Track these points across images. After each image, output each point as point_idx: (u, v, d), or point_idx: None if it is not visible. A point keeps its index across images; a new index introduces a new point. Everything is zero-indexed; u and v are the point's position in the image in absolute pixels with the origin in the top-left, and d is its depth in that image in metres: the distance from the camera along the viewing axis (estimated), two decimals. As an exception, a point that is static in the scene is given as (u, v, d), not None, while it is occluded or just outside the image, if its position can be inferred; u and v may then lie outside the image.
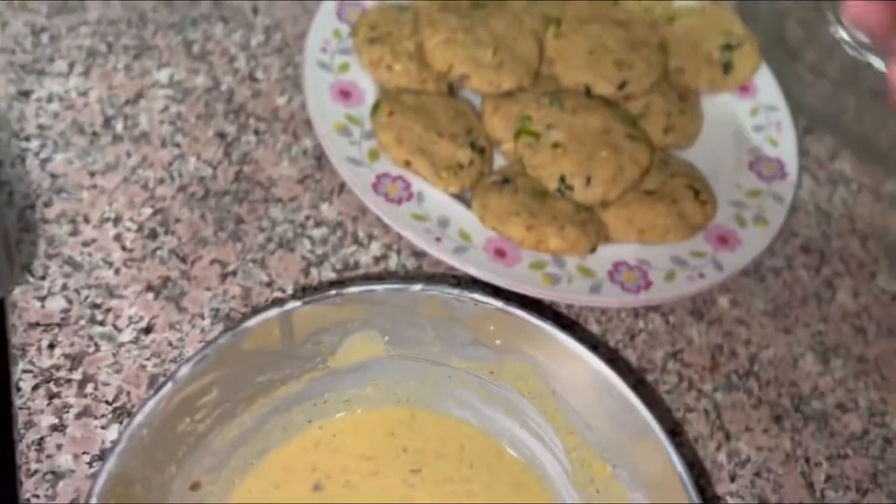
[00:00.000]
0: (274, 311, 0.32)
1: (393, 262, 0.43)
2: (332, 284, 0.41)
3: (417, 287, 0.34)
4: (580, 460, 0.35)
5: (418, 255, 0.44)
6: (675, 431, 0.41)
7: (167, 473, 0.31)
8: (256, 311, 0.33)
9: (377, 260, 0.43)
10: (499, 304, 0.34)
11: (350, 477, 0.35)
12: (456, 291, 0.34)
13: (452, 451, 0.37)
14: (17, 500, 0.34)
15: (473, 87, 0.46)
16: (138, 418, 0.29)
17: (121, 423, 0.36)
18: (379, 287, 0.34)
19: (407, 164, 0.43)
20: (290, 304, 0.33)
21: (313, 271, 0.42)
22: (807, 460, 0.41)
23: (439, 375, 0.36)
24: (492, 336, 0.35)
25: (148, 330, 0.38)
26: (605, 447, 0.34)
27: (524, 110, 0.45)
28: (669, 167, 0.46)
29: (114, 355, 0.37)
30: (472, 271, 0.40)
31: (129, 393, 0.37)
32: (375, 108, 0.44)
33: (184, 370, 0.31)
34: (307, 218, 0.44)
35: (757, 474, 0.40)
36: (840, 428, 0.43)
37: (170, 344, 0.38)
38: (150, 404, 0.30)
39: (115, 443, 0.29)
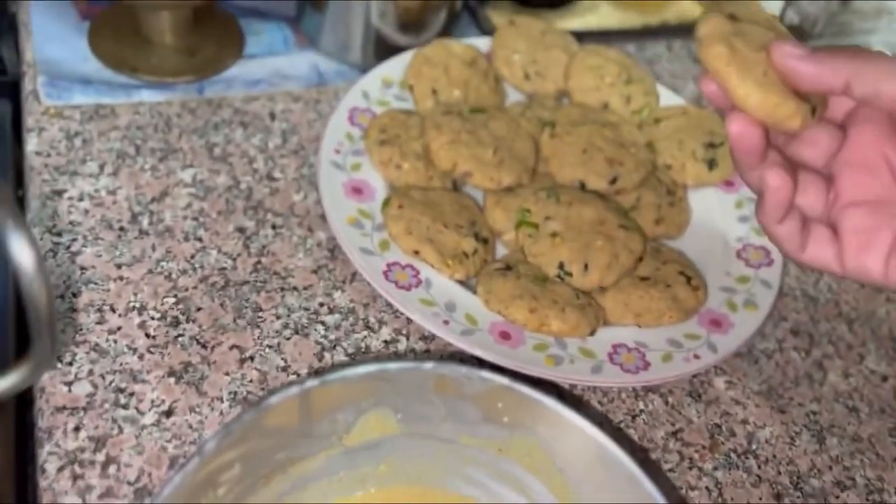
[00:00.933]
0: (294, 389, 0.34)
1: (402, 346, 0.46)
2: (347, 365, 0.44)
3: (429, 365, 0.36)
4: None
5: (426, 338, 0.46)
6: (679, 510, 0.42)
7: None
8: (275, 391, 0.35)
9: (387, 344, 0.45)
10: (505, 381, 0.36)
11: None
12: (465, 369, 0.36)
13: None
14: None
15: (476, 184, 0.50)
16: (166, 490, 0.31)
17: (139, 498, 0.37)
18: (392, 366, 0.36)
19: (416, 252, 0.46)
20: (309, 383, 0.35)
21: (326, 355, 0.44)
22: (810, 537, 0.42)
23: (450, 453, 0.38)
24: (500, 413, 0.37)
25: (169, 413, 0.40)
26: None
27: (523, 204, 0.49)
28: (661, 255, 0.50)
29: (136, 437, 0.39)
30: (479, 353, 0.43)
31: (150, 474, 0.38)
32: (386, 202, 0.48)
33: (210, 444, 0.32)
34: (321, 305, 0.46)
35: (762, 552, 0.41)
36: (840, 505, 0.44)
37: (190, 426, 0.40)
38: (178, 477, 0.31)
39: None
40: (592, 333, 0.45)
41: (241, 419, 0.33)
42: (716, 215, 0.54)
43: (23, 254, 0.28)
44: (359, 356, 0.45)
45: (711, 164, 0.55)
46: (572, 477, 0.36)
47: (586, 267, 0.46)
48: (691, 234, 0.53)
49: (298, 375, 0.43)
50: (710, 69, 0.34)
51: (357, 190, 0.49)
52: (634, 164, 0.52)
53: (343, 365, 0.43)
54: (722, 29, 0.35)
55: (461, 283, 0.46)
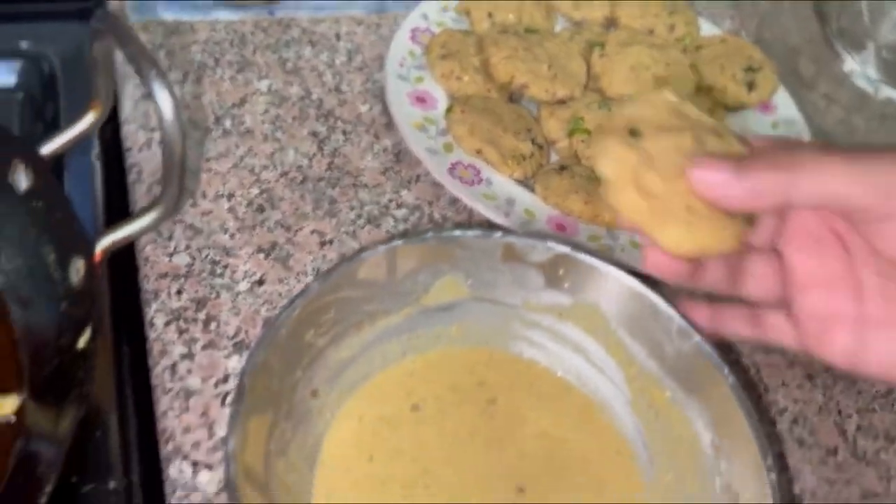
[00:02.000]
0: (383, 247, 0.39)
1: (465, 239, 0.50)
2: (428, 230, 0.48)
3: (499, 234, 0.41)
4: (640, 388, 0.41)
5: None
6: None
7: (295, 376, 0.37)
8: (365, 248, 0.39)
9: (451, 237, 0.50)
10: (567, 249, 0.41)
11: (441, 404, 0.41)
12: (531, 239, 0.41)
13: (523, 385, 0.42)
14: (154, 413, 0.39)
15: (532, 95, 0.54)
16: (280, 318, 0.36)
17: (240, 355, 0.42)
18: (469, 232, 0.41)
19: (478, 151, 0.50)
20: (395, 242, 0.39)
21: (397, 243, 0.49)
22: (839, 412, 0.47)
23: (513, 318, 0.42)
24: (561, 280, 0.41)
25: (260, 282, 0.45)
26: (662, 375, 0.40)
27: (576, 114, 0.53)
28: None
29: (232, 301, 0.44)
30: (538, 240, 0.47)
31: (247, 331, 0.43)
32: (449, 108, 0.52)
33: (313, 286, 0.37)
34: (390, 201, 0.51)
35: (794, 421, 0.46)
36: (867, 386, 0.48)
37: (279, 294, 0.45)
38: (287, 311, 0.36)
39: (262, 336, 0.36)
40: (641, 227, 0.49)
41: (337, 268, 0.38)
42: (753, 136, 0.58)
43: (164, 101, 0.33)
44: (425, 245, 0.49)
45: (750, 86, 0.59)
46: (627, 336, 0.41)
47: (636, 168, 0.50)
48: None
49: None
50: (626, 219, 0.31)
51: (420, 99, 0.54)
52: (679, 82, 0.56)
53: (424, 230, 0.48)
54: (627, 164, 0.31)
55: (519, 182, 0.51)
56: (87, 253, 0.35)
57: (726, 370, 0.38)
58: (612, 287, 0.40)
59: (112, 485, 0.36)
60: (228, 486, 0.32)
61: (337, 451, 0.39)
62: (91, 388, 0.32)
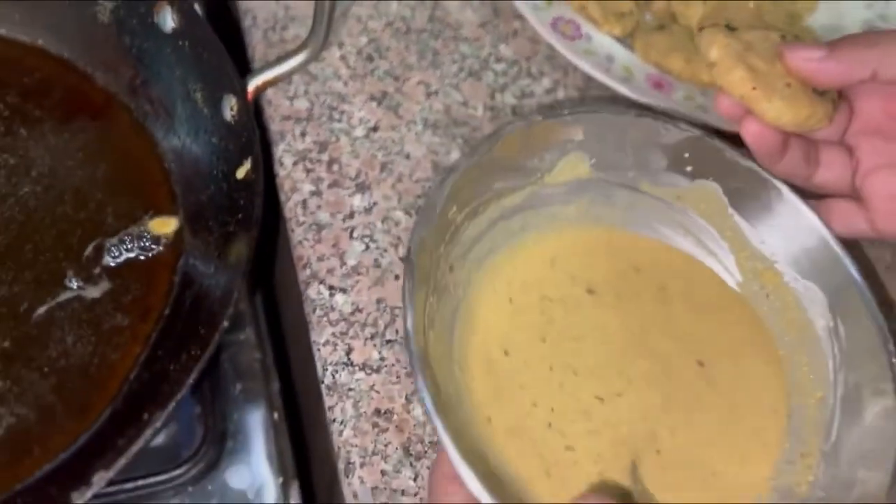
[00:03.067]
0: (521, 123, 0.40)
1: (561, 94, 0.53)
2: (561, 107, 0.49)
3: (633, 113, 0.41)
4: (752, 270, 0.42)
5: (581, 89, 0.53)
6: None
7: (439, 252, 0.38)
8: (502, 127, 0.39)
9: (548, 91, 0.52)
10: (698, 132, 0.41)
11: (616, 289, 0.41)
12: (665, 120, 0.41)
13: (671, 268, 0.43)
14: (290, 243, 0.44)
15: (631, -49, 0.55)
16: (435, 196, 0.37)
17: (362, 194, 0.46)
18: (602, 110, 0.42)
19: (582, 7, 0.52)
20: (533, 117, 0.40)
21: (497, 96, 0.51)
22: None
23: (630, 198, 0.43)
24: (685, 163, 0.42)
25: (375, 129, 0.48)
26: (777, 259, 0.41)
27: (675, -28, 0.54)
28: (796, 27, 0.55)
29: (351, 145, 0.47)
30: (637, 97, 0.49)
31: (366, 173, 0.47)
32: (552, -38, 0.53)
33: (462, 163, 0.38)
34: (489, 55, 0.53)
35: None
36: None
37: (392, 141, 0.48)
38: (440, 188, 0.37)
39: (419, 216, 0.37)
40: (735, 87, 0.51)
41: (482, 145, 0.39)
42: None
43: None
44: (525, 98, 0.52)
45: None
46: (743, 220, 0.42)
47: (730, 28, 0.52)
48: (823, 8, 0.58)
49: (475, 109, 0.50)
50: (734, 94, 0.35)
51: (520, -48, 0.54)
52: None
53: (559, 108, 0.47)
54: (732, 48, 0.35)
55: (617, 39, 0.53)
56: (240, 91, 0.38)
57: (848, 257, 0.39)
58: (738, 172, 0.41)
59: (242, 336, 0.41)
60: (414, 364, 0.33)
61: (489, 330, 0.39)
62: (258, 216, 0.36)
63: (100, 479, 0.30)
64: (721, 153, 0.41)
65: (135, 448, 0.31)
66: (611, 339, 0.40)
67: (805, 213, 0.40)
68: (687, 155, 0.41)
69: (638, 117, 0.41)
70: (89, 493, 0.30)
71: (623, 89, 0.50)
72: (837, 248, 0.40)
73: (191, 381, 0.31)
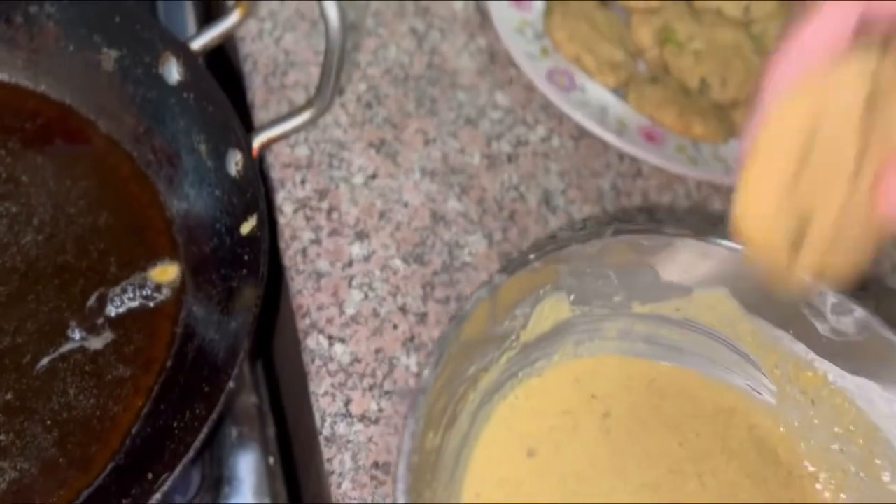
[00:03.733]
0: (484, 290, 0.35)
1: (556, 142, 0.54)
2: (525, 253, 0.40)
3: (609, 231, 0.36)
4: (787, 377, 0.37)
5: (576, 138, 0.54)
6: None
7: (426, 497, 0.33)
8: (465, 301, 0.35)
9: (543, 140, 0.54)
10: (688, 231, 0.36)
11: (557, 437, 0.37)
12: (646, 228, 0.38)
13: (640, 386, 0.38)
14: (289, 292, 0.45)
15: (624, 2, 0.57)
16: (407, 445, 0.32)
17: (361, 242, 0.47)
18: (572, 242, 0.36)
19: (577, 58, 0.53)
20: (497, 279, 0.35)
21: (493, 143, 0.53)
22: None
23: (622, 325, 0.39)
24: (680, 270, 0.37)
25: (374, 176, 0.49)
26: (814, 356, 0.36)
27: (668, 24, 0.56)
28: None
29: (350, 192, 0.48)
30: (630, 149, 0.51)
31: (365, 221, 0.48)
32: (549, 11, 0.55)
33: (426, 374, 0.33)
34: (486, 102, 0.54)
35: None
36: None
37: (391, 189, 0.49)
38: (411, 424, 0.32)
39: (396, 483, 0.32)
40: (726, 141, 0.53)
41: (444, 337, 0.34)
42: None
43: (332, 12, 0.36)
44: (519, 146, 0.53)
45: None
46: (763, 323, 0.36)
47: (724, 82, 0.54)
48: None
49: (472, 156, 0.52)
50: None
51: (517, 0, 0.56)
52: (767, -5, 0.58)
53: (523, 255, 0.40)
54: (779, 233, 0.29)
55: (611, 91, 0.54)
56: (246, 147, 0.39)
57: None
58: (742, 268, 0.35)
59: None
60: None
61: None
62: (263, 273, 0.37)
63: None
64: (722, 248, 0.35)
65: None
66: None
67: (840, 301, 0.34)
68: (681, 258, 0.36)
69: (615, 236, 0.36)
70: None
71: (616, 142, 0.51)
72: (887, 331, 0.34)
73: (198, 442, 0.32)
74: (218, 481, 0.45)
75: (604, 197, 0.52)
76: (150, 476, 0.32)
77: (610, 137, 0.51)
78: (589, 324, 0.38)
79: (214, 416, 0.32)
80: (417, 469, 0.32)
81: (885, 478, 0.36)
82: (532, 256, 0.35)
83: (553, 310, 0.37)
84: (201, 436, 0.32)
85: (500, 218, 0.50)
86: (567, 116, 0.53)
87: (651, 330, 0.39)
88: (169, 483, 0.31)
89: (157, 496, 0.31)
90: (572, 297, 0.37)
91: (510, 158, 0.52)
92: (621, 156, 0.53)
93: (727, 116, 0.54)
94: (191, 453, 0.32)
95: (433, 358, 0.33)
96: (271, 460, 0.47)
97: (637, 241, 0.36)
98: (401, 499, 0.31)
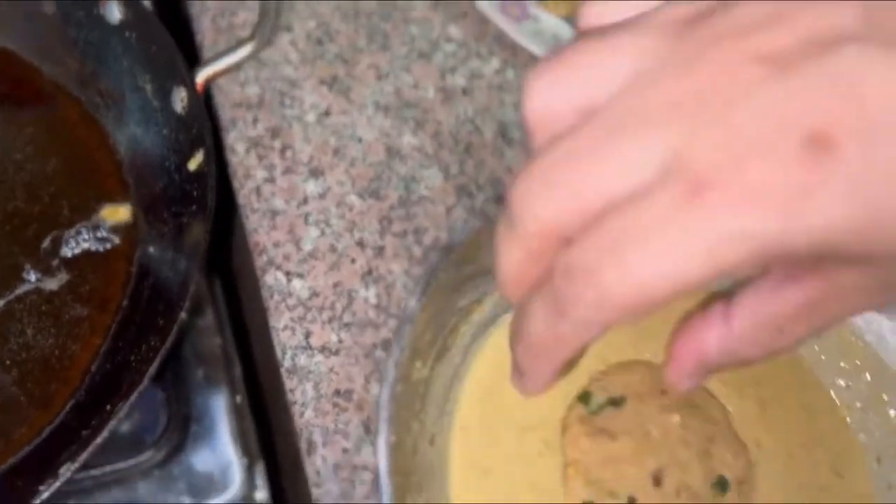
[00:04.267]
0: (478, 221, 0.37)
1: (511, 74, 0.54)
2: None
3: None
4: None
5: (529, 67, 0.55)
6: None
7: (413, 432, 0.34)
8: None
9: (497, 72, 0.54)
10: None
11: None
12: None
13: None
14: (245, 230, 0.45)
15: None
16: (391, 373, 0.32)
17: (315, 179, 0.47)
18: None
19: (528, -11, 0.53)
20: (492, 210, 0.37)
21: (448, 77, 0.53)
22: None
23: None
24: None
25: (327, 114, 0.50)
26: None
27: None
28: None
29: (303, 131, 0.49)
30: (583, 76, 0.51)
31: (319, 159, 0.48)
32: (498, -58, 0.55)
33: (412, 304, 0.33)
34: (439, 36, 0.54)
35: None
36: None
37: (344, 125, 0.50)
38: (396, 353, 0.32)
39: (380, 409, 0.32)
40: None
41: (435, 269, 0.34)
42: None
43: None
44: (474, 79, 0.53)
45: None
46: None
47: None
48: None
49: (426, 91, 0.52)
50: None
51: (467, -68, 0.56)
52: None
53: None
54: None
55: (563, 19, 0.54)
56: (190, 83, 0.39)
57: None
58: None
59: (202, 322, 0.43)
60: None
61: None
62: (211, 206, 0.38)
63: (66, 471, 0.31)
64: None
65: (99, 439, 0.33)
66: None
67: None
68: None
69: None
70: (57, 485, 0.32)
71: (570, 69, 0.52)
72: None
73: (152, 371, 0.33)
74: (186, 420, 0.46)
75: (559, 127, 0.52)
76: (108, 408, 0.33)
77: (563, 66, 0.52)
78: None
79: (168, 345, 0.33)
80: (403, 398, 0.32)
81: (892, 413, 0.36)
82: None
83: None
84: (155, 364, 0.33)
85: (455, 151, 0.51)
86: (521, 47, 0.53)
87: None
88: (125, 410, 0.32)
89: (113, 422, 0.32)
90: None
91: (465, 91, 0.53)
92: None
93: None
94: (145, 381, 0.33)
95: (419, 288, 0.33)
96: (238, 399, 0.48)
97: None
98: (383, 427, 0.31)
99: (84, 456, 0.31)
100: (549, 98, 0.20)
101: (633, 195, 0.18)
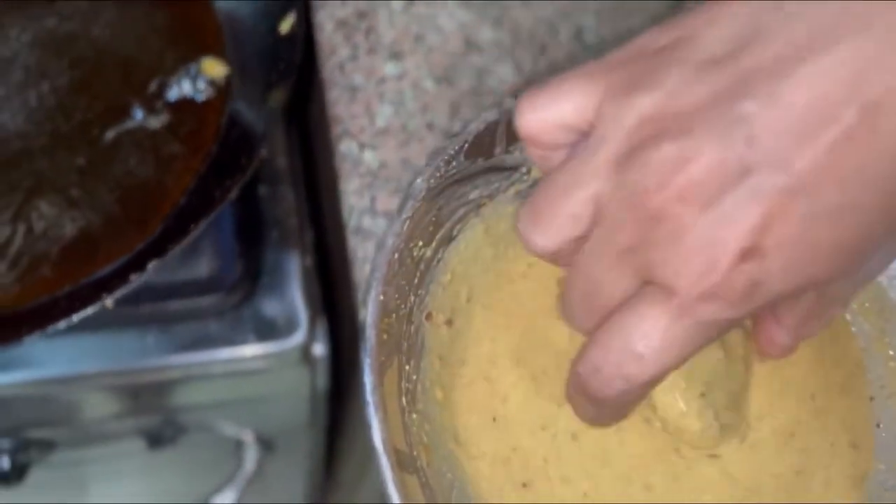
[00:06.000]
0: (493, 112, 0.34)
1: (594, -18, 0.57)
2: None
3: None
4: None
5: (614, -21, 0.57)
6: None
7: (409, 303, 0.34)
8: (471, 120, 0.35)
9: (581, -21, 0.57)
10: None
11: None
12: None
13: None
14: (324, 103, 0.50)
15: None
16: (389, 241, 0.32)
17: (395, 61, 0.52)
18: None
19: None
20: (508, 103, 0.34)
21: (531, -20, 0.56)
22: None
23: None
24: None
25: (411, 2, 0.54)
26: None
27: None
28: None
29: (389, 16, 0.53)
30: None
31: (401, 43, 0.52)
32: None
33: (418, 182, 0.33)
34: (527, -61, 0.57)
35: None
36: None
37: (427, 16, 0.53)
38: (397, 225, 0.32)
39: (373, 270, 0.32)
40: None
41: (444, 152, 0.33)
42: None
43: None
44: (557, -16, 0.56)
45: None
46: None
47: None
48: None
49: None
50: None
51: None
52: None
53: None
54: None
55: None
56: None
57: None
58: None
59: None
60: (384, 479, 0.29)
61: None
62: (297, 63, 0.43)
63: (152, 267, 0.37)
64: None
65: (179, 248, 0.38)
66: None
67: None
68: None
69: None
70: (143, 277, 0.37)
71: (651, -22, 0.54)
72: None
73: (231, 195, 0.38)
74: (258, 272, 0.52)
75: (635, 36, 0.55)
76: (192, 226, 0.38)
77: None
78: None
79: (247, 176, 0.39)
80: (400, 267, 0.32)
81: (891, 352, 0.37)
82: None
83: None
84: (234, 191, 0.38)
85: (531, 50, 0.54)
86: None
87: None
88: (205, 225, 0.38)
89: (195, 234, 0.37)
90: None
91: (542, -8, 0.56)
92: (657, -3, 0.56)
93: None
94: (225, 202, 0.38)
95: (427, 166, 0.33)
96: (307, 260, 0.53)
97: None
98: (376, 285, 0.32)
99: (168, 256, 0.37)
100: (543, 244, 0.27)
101: (625, 304, 0.25)
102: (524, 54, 0.54)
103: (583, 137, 0.26)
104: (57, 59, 0.44)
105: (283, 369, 0.53)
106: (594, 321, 0.26)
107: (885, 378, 0.36)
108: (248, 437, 0.59)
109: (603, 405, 0.26)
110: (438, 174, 0.33)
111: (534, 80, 0.52)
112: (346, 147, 0.49)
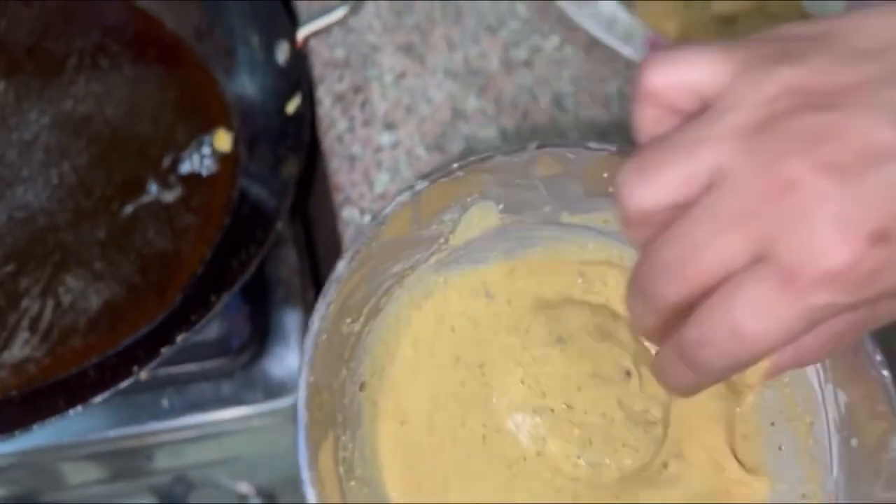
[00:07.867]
0: (406, 195, 0.38)
1: (569, 51, 0.63)
2: (449, 163, 0.44)
3: (533, 146, 0.39)
4: None
5: (587, 48, 0.63)
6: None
7: (341, 377, 0.36)
8: (386, 204, 0.39)
9: (557, 48, 0.63)
10: (613, 148, 0.39)
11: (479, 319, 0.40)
12: (569, 148, 0.39)
13: (568, 263, 0.41)
14: (326, 172, 0.55)
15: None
16: (315, 325, 0.35)
17: (389, 131, 0.57)
18: (497, 154, 0.39)
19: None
20: (419, 185, 0.38)
21: (511, 50, 0.62)
22: None
23: (550, 233, 0.41)
24: (605, 184, 0.39)
25: (402, 76, 0.59)
26: None
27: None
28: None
29: (381, 89, 0.58)
30: (636, 58, 0.59)
31: (394, 114, 0.57)
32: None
33: (341, 268, 0.36)
34: (505, 13, 0.63)
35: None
36: None
37: (417, 87, 0.59)
38: (321, 308, 0.35)
39: (302, 353, 0.35)
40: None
41: (363, 237, 0.37)
42: None
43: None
44: (535, 54, 0.62)
45: None
46: None
47: (725, -2, 0.61)
48: None
49: (491, 62, 0.61)
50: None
51: (538, -79, 0.64)
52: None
53: (447, 164, 0.42)
54: None
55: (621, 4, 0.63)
56: (292, 37, 0.49)
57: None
58: None
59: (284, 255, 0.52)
60: None
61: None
62: (306, 140, 0.47)
63: (182, 340, 0.41)
64: None
65: (204, 321, 0.42)
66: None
67: None
68: (605, 175, 0.39)
69: (540, 149, 0.38)
70: (172, 349, 0.41)
71: (623, 49, 0.60)
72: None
73: (253, 268, 0.42)
74: (265, 332, 0.55)
75: (610, 101, 0.61)
76: (213, 298, 0.42)
77: (617, 44, 0.60)
78: (519, 233, 0.41)
79: (266, 248, 0.43)
80: (328, 346, 0.35)
81: (786, 379, 0.39)
82: (455, 166, 0.38)
83: (481, 217, 0.40)
84: (256, 261, 0.42)
85: (514, 116, 0.59)
86: (579, 27, 0.61)
87: (580, 239, 0.41)
88: (226, 299, 0.41)
89: (219, 308, 0.41)
90: (501, 207, 0.40)
91: (526, 64, 0.61)
92: (628, 64, 0.61)
93: (727, 29, 0.62)
94: (247, 275, 0.42)
95: (348, 252, 0.36)
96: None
97: (562, 154, 0.38)
98: (305, 368, 0.34)
99: (195, 329, 0.41)
100: (644, 200, 0.26)
101: (732, 281, 0.24)
102: (508, 120, 0.59)
103: (699, 111, 0.25)
104: (75, 138, 0.48)
105: (288, 424, 0.56)
106: (681, 291, 0.25)
107: (783, 404, 0.39)
108: (251, 490, 0.63)
109: (707, 375, 0.26)
110: (360, 256, 0.36)
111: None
112: (347, 213, 0.54)
